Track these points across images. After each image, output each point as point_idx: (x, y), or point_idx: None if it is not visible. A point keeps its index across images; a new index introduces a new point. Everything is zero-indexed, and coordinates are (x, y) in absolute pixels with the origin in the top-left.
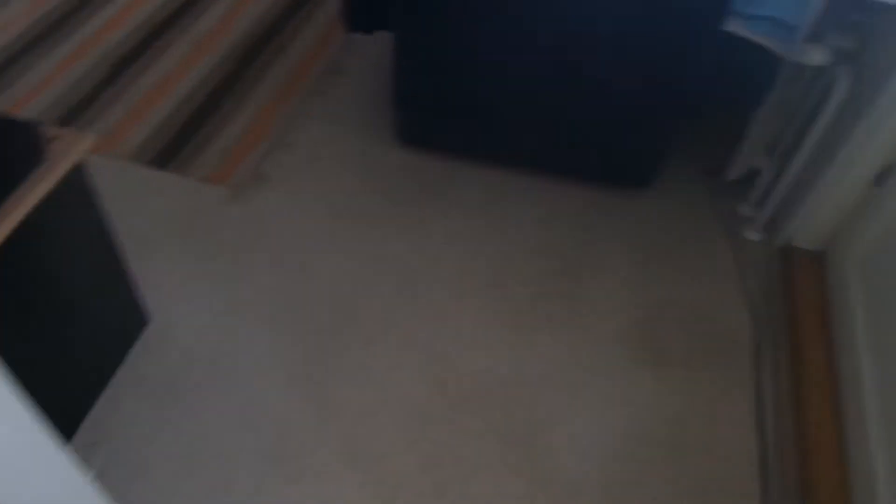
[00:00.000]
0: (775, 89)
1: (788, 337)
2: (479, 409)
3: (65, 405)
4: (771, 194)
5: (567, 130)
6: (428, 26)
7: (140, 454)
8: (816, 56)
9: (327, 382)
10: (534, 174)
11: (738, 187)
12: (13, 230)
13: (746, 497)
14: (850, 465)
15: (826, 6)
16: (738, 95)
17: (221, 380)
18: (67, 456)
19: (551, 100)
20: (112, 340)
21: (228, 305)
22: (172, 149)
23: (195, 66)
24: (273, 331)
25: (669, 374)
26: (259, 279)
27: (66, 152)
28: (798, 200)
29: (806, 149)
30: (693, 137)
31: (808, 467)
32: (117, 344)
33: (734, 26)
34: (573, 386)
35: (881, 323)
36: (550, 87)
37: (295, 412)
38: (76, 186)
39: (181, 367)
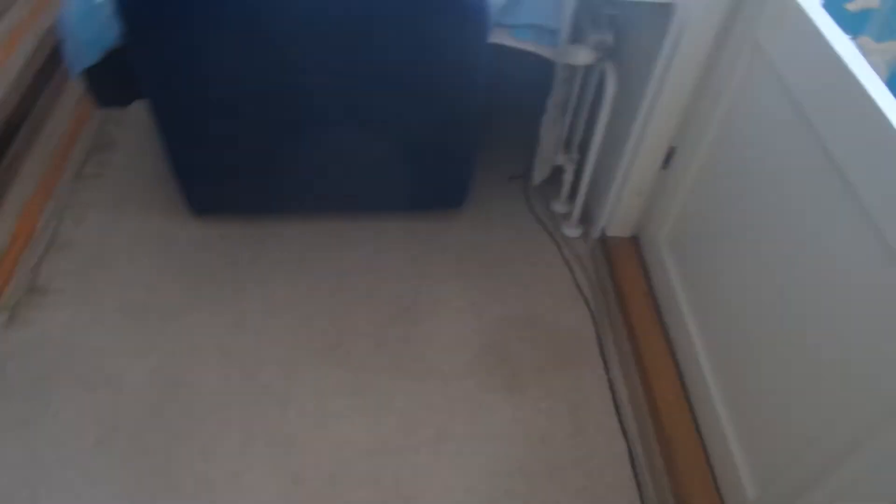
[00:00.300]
0: (554, 92)
1: (625, 326)
2: (343, 491)
3: None
4: (578, 189)
5: (365, 170)
6: (184, 90)
7: None
8: (581, 56)
9: None
10: (347, 218)
11: (547, 188)
12: None
13: (628, 500)
14: (707, 444)
15: (577, 6)
16: (523, 102)
17: None
18: None
19: (339, 144)
20: None
21: (30, 452)
22: None
23: None
24: (92, 467)
25: (526, 394)
26: (64, 410)
27: None
28: (602, 191)
29: (596, 142)
30: (495, 148)
31: (672, 456)
32: None
33: (500, 38)
34: (435, 436)
35: (698, 296)
36: (333, 131)
37: None
38: None
39: None
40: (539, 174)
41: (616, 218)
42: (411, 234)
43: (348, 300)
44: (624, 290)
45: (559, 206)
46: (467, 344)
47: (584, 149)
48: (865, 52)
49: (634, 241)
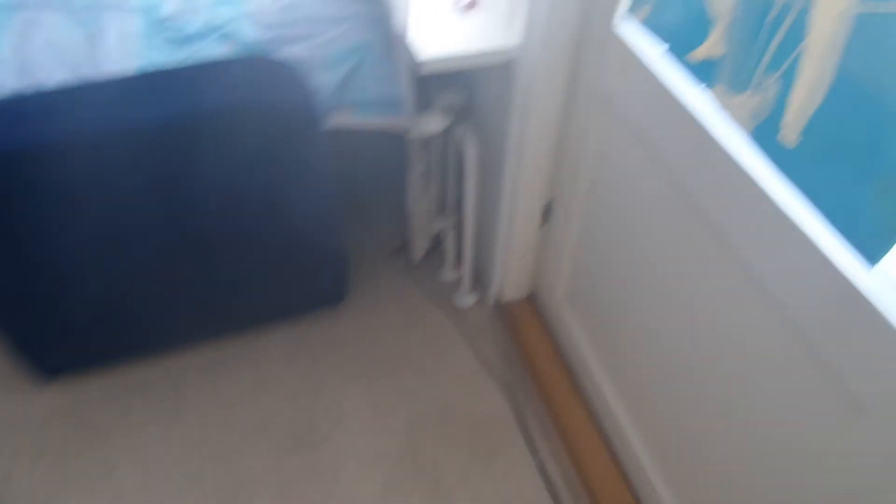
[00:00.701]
0: (412, 165)
1: (541, 398)
2: None
3: None
4: (462, 255)
5: (227, 291)
6: None
7: None
8: (432, 123)
9: None
10: (221, 344)
11: (432, 255)
12: None
13: None
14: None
15: (410, 75)
16: (387, 172)
17: None
18: None
19: (190, 273)
20: None
21: None
22: None
23: None
24: None
25: (456, 501)
26: None
27: None
28: (489, 253)
29: (470, 206)
30: (368, 224)
31: None
32: None
33: (343, 119)
34: None
35: (608, 354)
36: (180, 262)
37: None
38: None
39: None
40: (419, 247)
41: (508, 280)
42: (296, 344)
43: (239, 439)
44: (532, 357)
45: (448, 274)
46: (381, 458)
47: (461, 209)
48: (725, 104)
49: (533, 302)
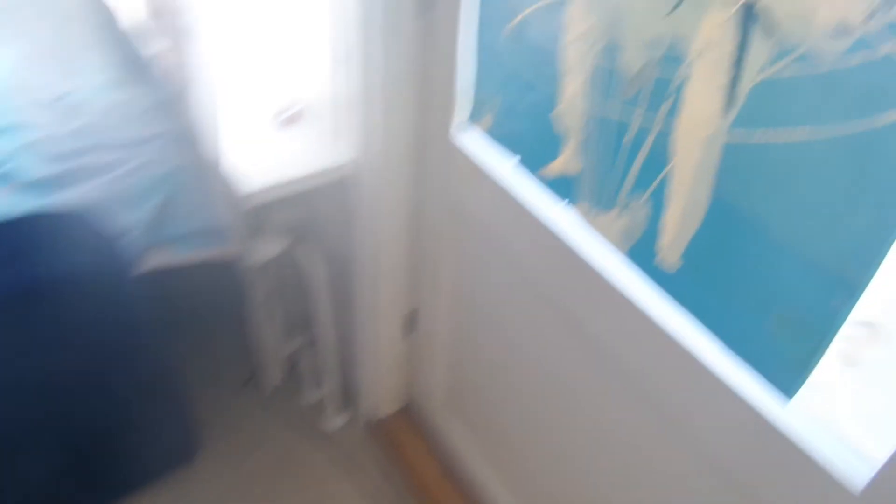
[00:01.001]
0: (250, 296)
1: None
2: None
3: None
4: (323, 375)
5: (47, 479)
6: None
7: None
8: (267, 249)
9: None
10: None
11: (289, 384)
12: None
13: None
14: None
15: (231, 200)
16: (223, 309)
17: None
18: None
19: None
20: None
21: None
22: None
23: None
24: None
25: None
26: None
27: None
28: (352, 369)
29: (324, 323)
30: (213, 356)
31: None
32: None
33: (160, 258)
34: None
35: (496, 455)
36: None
37: None
38: None
39: None
40: (272, 375)
41: (379, 393)
42: None
43: None
44: (418, 475)
45: (309, 397)
46: None
47: (314, 327)
48: (591, 223)
49: (409, 413)
